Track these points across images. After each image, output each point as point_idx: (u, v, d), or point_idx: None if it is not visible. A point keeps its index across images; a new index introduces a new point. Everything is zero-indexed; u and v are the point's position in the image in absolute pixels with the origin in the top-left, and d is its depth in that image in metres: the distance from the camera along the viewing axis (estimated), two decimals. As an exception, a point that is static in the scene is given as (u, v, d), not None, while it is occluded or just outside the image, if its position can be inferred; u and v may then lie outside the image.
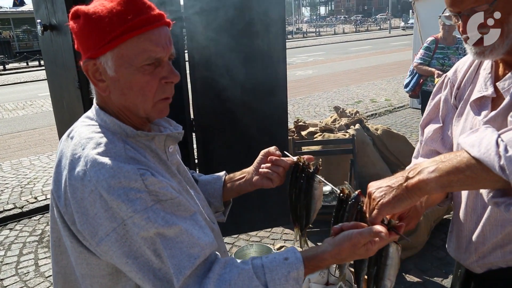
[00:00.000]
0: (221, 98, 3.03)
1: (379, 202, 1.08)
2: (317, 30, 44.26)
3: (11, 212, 4.90)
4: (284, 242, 3.93)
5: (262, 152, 1.36)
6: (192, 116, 3.13)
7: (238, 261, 1.02)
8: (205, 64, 2.94)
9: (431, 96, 1.55)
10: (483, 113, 1.29)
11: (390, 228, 1.04)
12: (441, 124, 1.47)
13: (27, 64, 22.83)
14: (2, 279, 3.64)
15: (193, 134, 3.18)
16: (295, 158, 1.32)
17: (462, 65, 1.46)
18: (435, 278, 3.29)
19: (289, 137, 3.93)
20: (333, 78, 13.67)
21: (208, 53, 2.92)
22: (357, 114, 5.22)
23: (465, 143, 1.01)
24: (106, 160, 0.95)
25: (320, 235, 3.84)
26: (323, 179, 1.26)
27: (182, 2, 2.87)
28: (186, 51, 2.98)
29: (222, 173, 1.45)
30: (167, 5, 2.69)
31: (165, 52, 1.03)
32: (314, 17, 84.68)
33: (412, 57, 8.78)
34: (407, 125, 7.73)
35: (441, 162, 1.02)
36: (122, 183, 0.92)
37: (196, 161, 3.26)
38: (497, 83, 1.26)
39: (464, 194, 1.38)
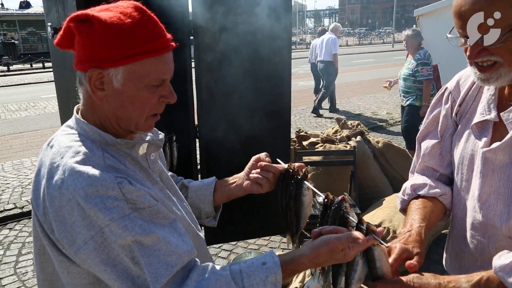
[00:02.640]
0: (225, 106, 3.07)
1: None
2: (320, 41, 44.43)
3: (11, 212, 4.93)
4: (282, 251, 3.94)
5: (253, 158, 1.39)
6: (196, 123, 3.17)
7: (217, 267, 1.03)
8: (210, 72, 2.99)
9: (429, 109, 1.51)
10: (484, 139, 1.28)
11: (368, 233, 1.06)
12: (439, 140, 1.45)
13: (31, 66, 22.88)
14: (0, 278, 3.66)
15: (197, 140, 3.21)
16: (286, 165, 1.33)
17: (465, 78, 1.41)
18: (432, 292, 3.29)
19: (290, 147, 3.97)
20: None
21: (214, 62, 2.96)
22: (359, 126, 5.26)
23: (508, 278, 1.04)
24: (83, 168, 0.95)
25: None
26: (311, 186, 1.27)
27: (190, 10, 2.92)
28: (192, 59, 3.02)
29: (212, 179, 1.46)
30: (176, 13, 2.74)
31: (170, 74, 1.08)
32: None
33: (414, 71, 8.85)
34: (408, 139, 7.75)
35: None
36: (99, 191, 0.93)
37: (199, 167, 3.29)
38: (501, 113, 1.24)
39: (463, 211, 1.38)
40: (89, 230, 0.93)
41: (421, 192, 1.44)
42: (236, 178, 1.41)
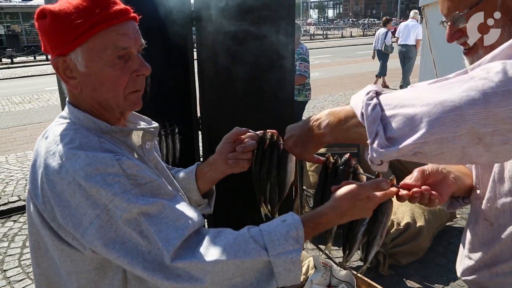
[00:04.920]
0: (228, 97, 3.05)
1: (292, 151, 1.16)
2: (324, 32, 44.19)
3: (16, 204, 4.94)
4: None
5: (225, 138, 1.34)
6: (198, 114, 3.15)
7: (244, 230, 1.01)
8: (213, 63, 2.96)
9: None
10: None
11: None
12: None
13: (35, 58, 22.92)
14: (5, 270, 3.67)
15: (199, 132, 3.19)
16: (259, 133, 1.28)
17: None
18: (436, 285, 3.29)
19: (294, 139, 3.94)
20: (339, 81, 13.64)
21: (217, 52, 2.93)
22: (363, 118, 5.21)
23: (351, 98, 1.02)
24: (82, 151, 0.96)
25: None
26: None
27: (192, 0, 2.89)
28: (195, 50, 2.99)
29: (193, 166, 1.44)
30: (177, 4, 2.71)
31: (133, 42, 1.04)
32: (322, 20, 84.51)
33: (420, 62, 8.76)
34: (412, 131, 7.70)
35: (333, 115, 1.04)
36: (99, 169, 0.93)
37: (202, 159, 3.28)
38: None
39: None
40: (94, 209, 0.92)
41: None
42: (211, 163, 1.37)
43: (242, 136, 1.32)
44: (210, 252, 0.93)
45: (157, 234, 0.92)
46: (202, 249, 0.93)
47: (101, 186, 0.91)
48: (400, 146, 0.81)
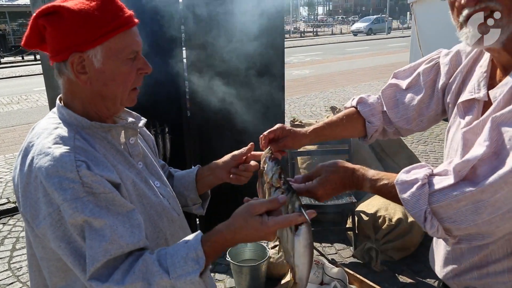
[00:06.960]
0: (218, 96, 3.03)
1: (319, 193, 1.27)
2: (314, 30, 44.26)
3: (5, 207, 4.87)
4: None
5: (233, 156, 1.44)
6: (188, 114, 3.13)
7: (151, 253, 1.05)
8: (202, 62, 2.94)
9: (423, 59, 1.48)
10: (467, 118, 1.20)
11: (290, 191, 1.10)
12: (401, 85, 1.48)
13: (23, 58, 22.65)
14: (-6, 274, 3.63)
15: (189, 131, 3.18)
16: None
17: (463, 51, 1.33)
18: (428, 280, 3.31)
19: (285, 137, 3.94)
20: (329, 78, 13.68)
21: (205, 51, 2.92)
22: (354, 115, 5.22)
23: (401, 194, 1.10)
24: (51, 149, 1.02)
25: (322, 235, 3.86)
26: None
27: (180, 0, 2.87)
28: (184, 49, 2.97)
29: (195, 167, 1.52)
30: (166, 5, 2.69)
31: (141, 46, 1.17)
32: (312, 17, 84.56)
33: (409, 59, 8.81)
34: (403, 127, 7.73)
35: (376, 189, 1.20)
36: (59, 172, 0.99)
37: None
38: (489, 91, 1.16)
39: None
40: (48, 207, 1.00)
41: (359, 107, 1.55)
42: (213, 169, 1.47)
43: (249, 155, 1.43)
44: (122, 276, 0.99)
45: (88, 250, 0.98)
46: (116, 274, 0.99)
47: (56, 189, 0.98)
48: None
